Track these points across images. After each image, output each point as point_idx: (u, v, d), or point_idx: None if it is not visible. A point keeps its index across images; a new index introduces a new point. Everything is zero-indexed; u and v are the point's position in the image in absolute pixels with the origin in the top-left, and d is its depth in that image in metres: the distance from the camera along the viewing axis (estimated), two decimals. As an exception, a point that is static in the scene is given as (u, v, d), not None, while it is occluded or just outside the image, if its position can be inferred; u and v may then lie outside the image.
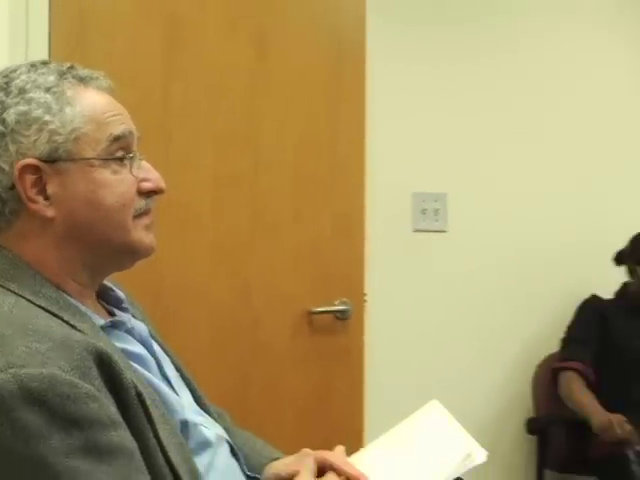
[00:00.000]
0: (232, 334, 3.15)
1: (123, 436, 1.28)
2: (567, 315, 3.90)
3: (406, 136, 3.75)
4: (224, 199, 3.14)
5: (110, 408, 1.27)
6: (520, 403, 3.93)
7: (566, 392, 3.70)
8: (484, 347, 3.90)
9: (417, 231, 3.78)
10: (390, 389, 3.48)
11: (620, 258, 3.93)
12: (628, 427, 3.40)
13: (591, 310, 3.88)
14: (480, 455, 1.70)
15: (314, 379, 3.27)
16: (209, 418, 1.72)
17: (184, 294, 3.06)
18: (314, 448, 1.72)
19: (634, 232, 3.92)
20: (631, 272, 3.89)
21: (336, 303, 3.30)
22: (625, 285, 3.94)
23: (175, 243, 3.01)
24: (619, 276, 3.94)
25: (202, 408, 1.74)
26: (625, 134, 4.30)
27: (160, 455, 1.36)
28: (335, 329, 3.33)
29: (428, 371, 3.76)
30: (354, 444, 1.85)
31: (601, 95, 4.24)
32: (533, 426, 3.81)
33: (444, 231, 3.83)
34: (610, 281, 3.95)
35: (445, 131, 3.84)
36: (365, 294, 3.43)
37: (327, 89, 3.35)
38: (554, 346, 3.89)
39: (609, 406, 3.54)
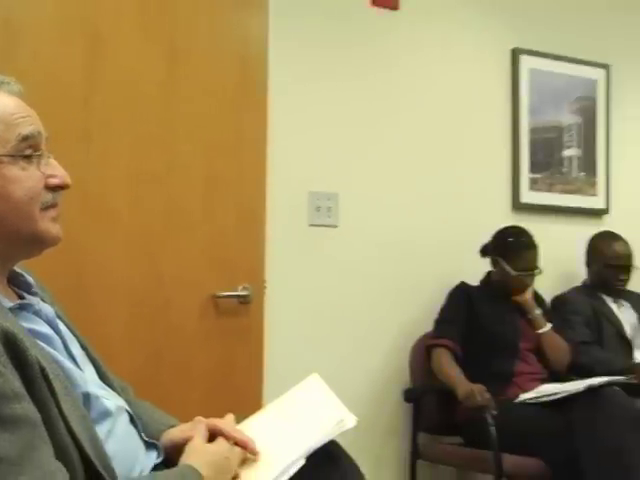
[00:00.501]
0: (146, 317, 3.17)
1: (27, 408, 1.29)
2: (439, 299, 3.99)
3: (303, 143, 3.80)
4: (139, 195, 3.16)
5: (14, 382, 1.28)
6: (399, 376, 3.99)
7: (437, 366, 3.79)
8: (369, 327, 3.97)
9: (312, 226, 3.83)
10: (286, 364, 3.51)
11: (485, 251, 4.08)
12: (487, 395, 3.48)
13: (460, 295, 3.98)
14: (351, 421, 1.80)
15: (219, 356, 3.31)
16: (111, 391, 1.73)
17: (102, 280, 3.07)
18: (219, 417, 1.79)
19: (496, 228, 4.06)
20: (494, 263, 4.03)
21: (239, 289, 3.34)
22: (489, 274, 4.09)
23: (94, 234, 3.05)
24: (484, 266, 4.07)
25: (105, 382, 1.74)
26: (486, 144, 4.44)
27: (62, 425, 1.38)
28: (238, 312, 3.37)
29: (319, 348, 3.81)
30: (254, 413, 1.93)
31: (465, 111, 4.36)
32: (409, 395, 3.90)
33: (335, 226, 3.89)
34: (477, 270, 4.08)
35: (337, 139, 3.91)
36: (265, 281, 3.47)
37: (233, 99, 3.39)
38: (428, 326, 3.98)
39: (472, 378, 3.63)
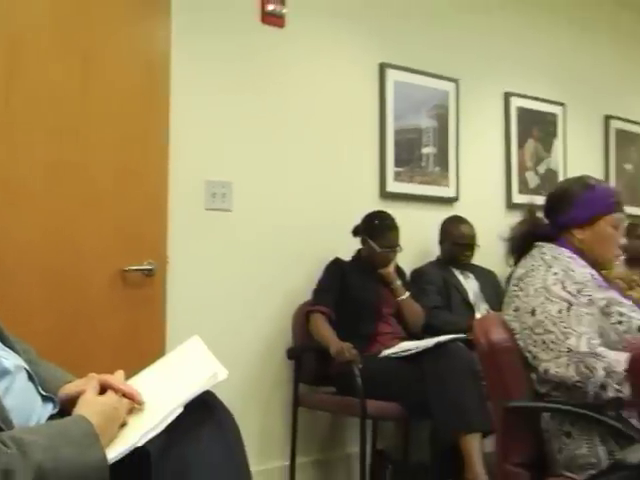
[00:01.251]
0: (62, 288, 3.22)
1: None
2: (317, 272, 4.06)
3: (201, 138, 3.81)
4: (57, 182, 3.21)
5: None
6: (283, 337, 4.05)
7: (314, 328, 3.86)
8: (257, 296, 4.01)
9: (208, 210, 3.84)
10: (185, 328, 3.36)
11: (356, 231, 4.14)
12: (354, 352, 3.59)
13: (334, 268, 4.04)
14: (222, 374, 1.80)
15: (126, 321, 3.37)
16: (11, 352, 1.73)
17: (22, 256, 3.11)
18: (127, 376, 1.81)
19: (366, 212, 4.15)
20: (363, 241, 4.12)
21: (144, 263, 3.42)
22: (359, 251, 4.17)
23: (13, 215, 3.09)
24: (355, 244, 4.16)
25: (5, 345, 1.75)
26: (358, 142, 4.53)
27: None
28: (143, 283, 3.44)
29: (215, 315, 3.82)
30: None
31: (341, 115, 4.44)
32: (291, 353, 3.97)
33: (229, 210, 3.91)
34: (349, 248, 4.17)
35: (231, 135, 3.94)
36: (167, 257, 3.55)
37: (140, 99, 3.48)
38: (308, 295, 4.05)
39: (343, 337, 3.73)
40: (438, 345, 3.62)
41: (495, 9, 5.31)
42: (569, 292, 2.33)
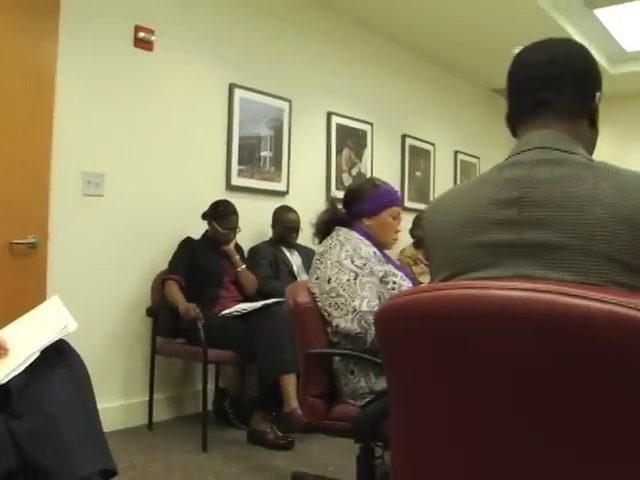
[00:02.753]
0: None
1: None
2: (173, 247, 4.02)
3: (80, 138, 3.70)
4: None
5: None
6: (144, 299, 4.00)
7: (168, 292, 3.83)
8: (124, 266, 3.94)
9: (85, 195, 3.74)
10: (63, 293, 3.35)
11: (204, 216, 4.11)
12: (197, 311, 3.60)
13: (186, 245, 4.00)
14: (72, 326, 1.79)
15: (13, 288, 3.25)
16: None
17: None
18: None
19: (212, 200, 4.15)
20: (209, 224, 4.09)
21: (29, 238, 3.31)
22: (206, 232, 4.13)
23: None
24: (204, 226, 4.14)
25: None
26: (210, 146, 4.50)
27: None
28: (28, 255, 3.33)
29: (89, 281, 3.74)
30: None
31: (197, 124, 4.40)
32: (150, 312, 3.93)
33: (102, 195, 3.81)
34: (199, 229, 4.14)
35: (105, 136, 3.84)
36: (48, 233, 3.45)
37: (30, 106, 3.36)
38: (165, 266, 4.01)
39: (192, 300, 3.73)
40: (264, 306, 3.67)
41: (321, 47, 5.39)
42: (356, 265, 2.41)
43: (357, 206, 2.62)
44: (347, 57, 5.66)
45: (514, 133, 1.34)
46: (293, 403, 3.37)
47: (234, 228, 4.09)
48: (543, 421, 1.10)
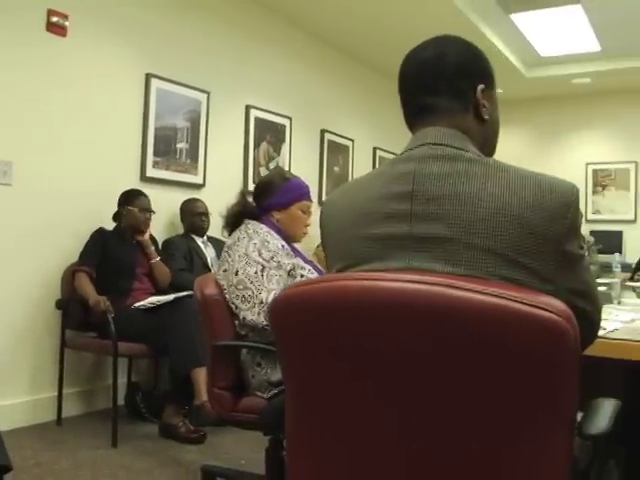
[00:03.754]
0: None
1: None
2: (85, 238, 3.92)
3: None
4: None
5: None
6: (54, 290, 3.87)
7: (78, 284, 3.75)
8: (34, 256, 3.82)
9: None
10: None
11: (119, 205, 4.04)
12: (108, 304, 3.53)
13: (98, 236, 3.91)
14: None
15: None
16: None
17: None
18: None
19: (120, 191, 4.08)
20: (123, 212, 4.01)
21: None
22: (119, 223, 4.05)
23: None
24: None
25: None
26: (126, 136, 4.41)
27: None
28: None
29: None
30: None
31: (113, 113, 4.32)
32: (60, 304, 3.81)
33: (10, 184, 3.69)
34: (112, 220, 4.08)
35: (13, 121, 3.71)
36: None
37: None
38: (76, 257, 3.91)
39: (104, 292, 3.66)
40: (177, 299, 3.64)
41: (241, 40, 5.35)
42: (264, 258, 2.41)
43: (267, 199, 2.62)
44: (268, 51, 5.65)
45: (411, 131, 1.36)
46: (203, 396, 3.33)
47: (148, 209, 4.04)
48: (430, 412, 1.12)
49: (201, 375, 3.40)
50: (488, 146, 1.37)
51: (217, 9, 5.10)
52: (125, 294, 3.84)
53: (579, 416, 1.18)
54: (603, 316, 2.29)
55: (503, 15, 6.02)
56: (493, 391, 1.07)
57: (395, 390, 1.13)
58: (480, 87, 1.32)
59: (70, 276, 3.84)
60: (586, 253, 1.27)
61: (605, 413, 1.19)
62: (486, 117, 1.33)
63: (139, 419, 3.96)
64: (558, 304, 1.05)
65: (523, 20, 6.18)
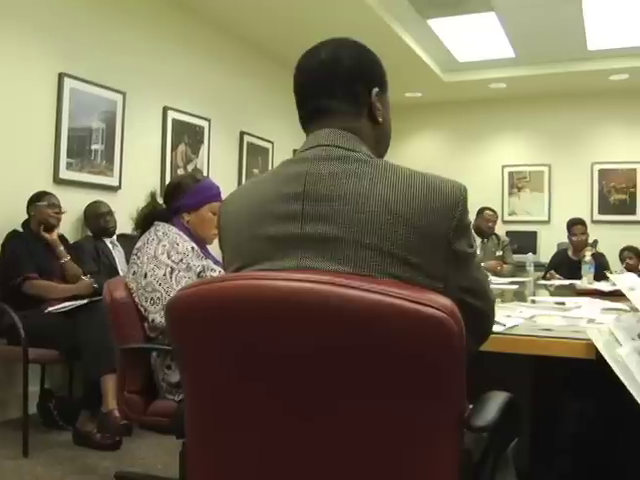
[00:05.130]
0: None
1: None
2: None
3: None
4: None
5: None
6: None
7: (41, 289, 3.70)
8: None
9: None
10: None
11: (27, 207, 3.92)
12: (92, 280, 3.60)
13: (18, 239, 3.80)
14: None
15: None
16: None
17: None
18: None
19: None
20: (32, 213, 3.90)
21: None
22: (27, 225, 3.92)
23: None
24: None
25: None
26: (39, 137, 4.29)
27: None
28: None
29: None
30: None
31: (25, 114, 4.19)
32: None
33: None
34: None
35: None
36: None
37: None
38: None
39: (16, 297, 3.57)
40: (89, 303, 3.57)
41: (159, 40, 5.28)
42: (173, 260, 2.40)
43: (177, 201, 2.60)
44: (186, 52, 5.59)
45: (306, 132, 1.38)
46: (110, 404, 3.28)
47: (58, 206, 3.94)
48: (323, 411, 1.14)
49: (110, 382, 3.32)
50: (381, 147, 1.40)
51: (134, 9, 5.02)
52: (37, 299, 3.69)
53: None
54: (507, 313, 2.37)
55: (421, 20, 6.14)
56: (382, 388, 1.10)
57: (288, 390, 1.15)
58: (375, 90, 1.35)
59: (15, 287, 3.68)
60: (477, 251, 1.32)
61: (493, 406, 1.22)
62: (380, 119, 1.36)
63: (53, 427, 3.85)
64: (443, 301, 1.09)
65: (440, 26, 6.32)
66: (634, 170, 7.92)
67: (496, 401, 1.25)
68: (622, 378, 1.80)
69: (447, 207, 1.20)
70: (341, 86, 1.32)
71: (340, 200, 1.19)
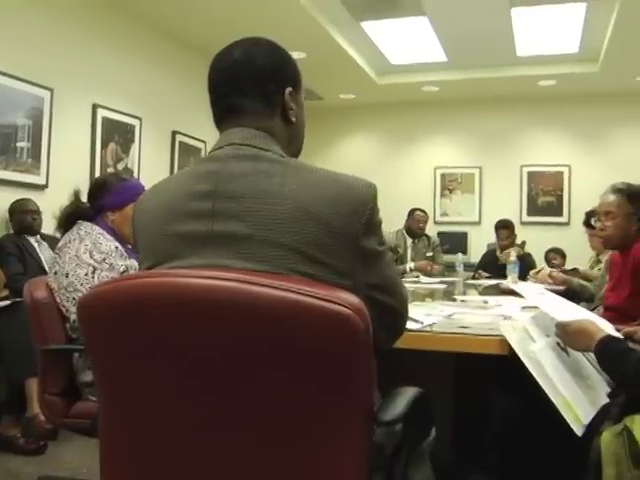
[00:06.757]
0: None
1: None
2: None
3: None
4: None
5: None
6: None
7: None
8: None
9: None
10: None
11: None
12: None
13: None
14: None
15: None
16: None
17: None
18: None
19: None
20: None
21: None
22: None
23: None
24: None
25: None
26: None
27: None
28: None
29: None
30: None
31: None
32: None
33: None
34: None
35: None
36: None
37: None
38: None
39: None
40: (12, 304, 3.50)
41: (88, 37, 5.20)
42: (95, 260, 2.38)
43: (101, 199, 2.59)
44: (117, 50, 5.52)
45: (220, 131, 1.39)
46: (35, 408, 3.22)
47: None
48: (231, 408, 1.16)
49: (34, 385, 3.23)
50: (294, 147, 1.43)
51: (62, 5, 4.92)
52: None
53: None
54: (427, 311, 2.44)
55: (355, 23, 6.21)
56: (290, 383, 1.13)
57: (197, 387, 1.16)
58: (288, 90, 1.37)
59: None
60: (387, 249, 1.36)
61: (402, 400, 1.25)
62: (293, 119, 1.39)
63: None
64: (350, 298, 1.12)
65: (373, 29, 6.41)
66: (561, 173, 8.18)
67: (405, 396, 1.27)
68: (534, 374, 1.87)
69: (357, 205, 1.23)
70: (254, 85, 1.34)
71: (251, 198, 1.21)
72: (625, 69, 6.89)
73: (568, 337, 1.94)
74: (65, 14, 4.98)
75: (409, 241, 6.23)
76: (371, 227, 1.26)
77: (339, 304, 1.09)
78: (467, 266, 6.01)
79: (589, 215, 4.56)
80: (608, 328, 2.02)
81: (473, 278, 5.87)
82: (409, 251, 6.19)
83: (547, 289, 3.35)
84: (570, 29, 6.23)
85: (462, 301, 3.18)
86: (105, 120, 5.38)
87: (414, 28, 6.29)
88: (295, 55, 5.71)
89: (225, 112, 1.36)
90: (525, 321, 2.10)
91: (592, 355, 1.88)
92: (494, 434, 2.47)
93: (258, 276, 1.13)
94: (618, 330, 2.13)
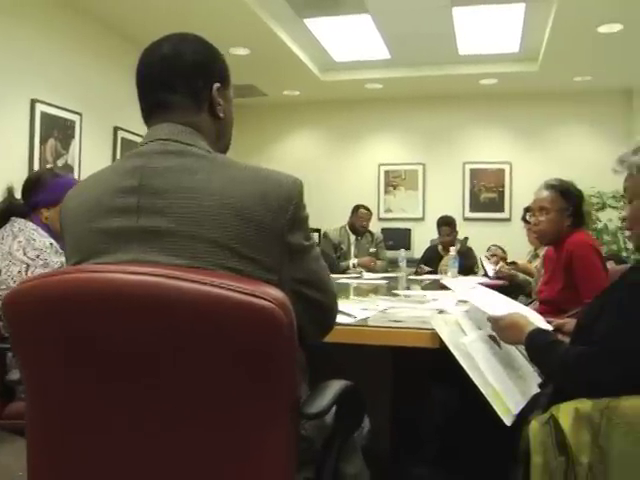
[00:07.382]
0: None
1: None
2: None
3: None
4: None
5: None
6: None
7: None
8: None
9: None
10: None
11: None
12: None
13: None
14: None
15: None
16: None
17: None
18: None
19: None
20: None
21: None
22: None
23: None
24: None
25: None
26: None
27: None
28: None
29: None
30: None
31: None
32: None
33: None
34: None
35: None
36: None
37: None
38: None
39: None
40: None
41: (25, 31, 5.08)
42: (29, 257, 2.36)
43: (36, 196, 2.56)
44: (56, 44, 5.41)
45: (147, 126, 1.39)
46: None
47: None
48: (157, 406, 1.17)
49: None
50: (222, 143, 1.44)
51: (-3, -3, 4.82)
52: None
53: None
54: (364, 306, 2.47)
55: (298, 20, 6.22)
56: (216, 381, 1.15)
57: (125, 382, 1.17)
58: (216, 86, 1.39)
59: None
60: (314, 244, 1.38)
61: (328, 393, 1.28)
62: (221, 115, 1.40)
63: None
64: (274, 293, 1.14)
65: (316, 26, 6.44)
66: (502, 170, 8.35)
67: (332, 388, 1.29)
68: (464, 366, 1.92)
69: (282, 201, 1.26)
70: (181, 81, 1.35)
71: (176, 194, 1.22)
72: (563, 69, 7.07)
73: (501, 331, 2.00)
74: (0, 8, 4.86)
75: (352, 237, 6.29)
76: (296, 222, 1.28)
77: (264, 299, 1.11)
78: (410, 262, 6.08)
79: (526, 211, 4.68)
80: (538, 321, 2.09)
81: (415, 273, 5.95)
82: (352, 247, 6.24)
83: (491, 284, 3.43)
84: (510, 29, 6.37)
85: (405, 296, 3.22)
86: (44, 115, 5.27)
87: (357, 26, 6.34)
88: (239, 51, 5.74)
89: (153, 107, 1.37)
90: (458, 315, 2.15)
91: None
92: (433, 426, 2.53)
93: (184, 271, 1.14)
94: (550, 322, 2.21)
